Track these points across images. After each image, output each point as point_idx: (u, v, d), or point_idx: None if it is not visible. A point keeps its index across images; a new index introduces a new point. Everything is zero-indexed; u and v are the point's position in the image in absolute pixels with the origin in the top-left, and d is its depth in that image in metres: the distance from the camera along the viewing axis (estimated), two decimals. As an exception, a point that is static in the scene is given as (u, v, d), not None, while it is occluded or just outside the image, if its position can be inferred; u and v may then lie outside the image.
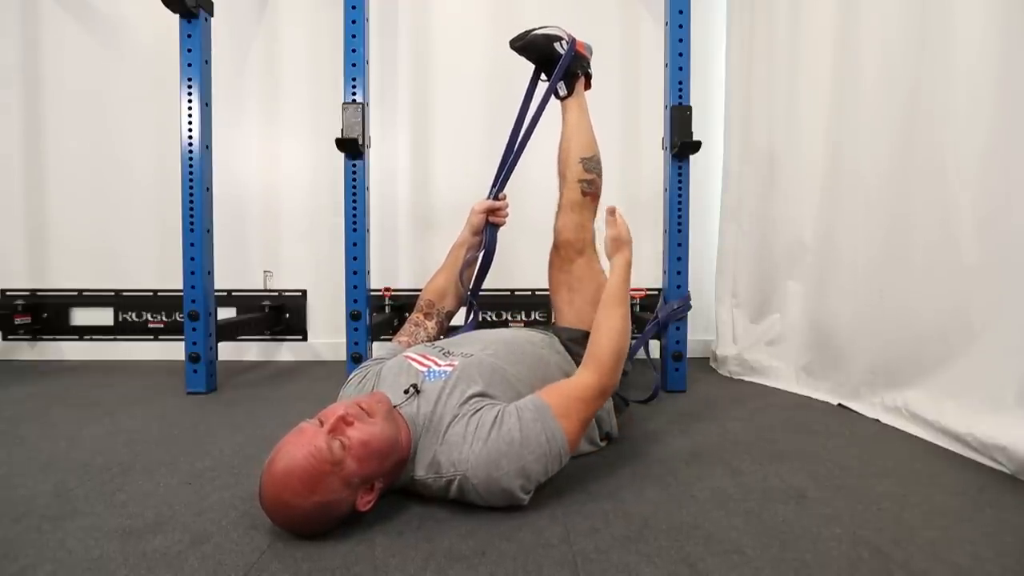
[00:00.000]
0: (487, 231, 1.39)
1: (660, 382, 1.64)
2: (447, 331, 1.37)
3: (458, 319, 1.49)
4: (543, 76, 1.46)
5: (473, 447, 0.85)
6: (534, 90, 1.47)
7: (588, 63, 1.45)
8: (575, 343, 1.23)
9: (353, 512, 0.80)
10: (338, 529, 0.80)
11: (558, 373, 1.12)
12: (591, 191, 1.35)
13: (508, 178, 1.43)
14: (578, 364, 1.06)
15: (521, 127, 1.43)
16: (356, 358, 1.68)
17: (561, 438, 0.89)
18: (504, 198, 1.41)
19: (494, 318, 2.26)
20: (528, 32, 1.40)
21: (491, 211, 1.38)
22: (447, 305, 1.37)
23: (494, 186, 1.42)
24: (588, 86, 1.47)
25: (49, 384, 1.82)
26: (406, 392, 0.94)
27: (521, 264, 2.09)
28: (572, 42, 1.40)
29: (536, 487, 0.89)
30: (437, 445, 0.87)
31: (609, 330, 1.03)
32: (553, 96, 1.43)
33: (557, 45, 1.39)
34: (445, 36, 2.24)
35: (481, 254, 1.40)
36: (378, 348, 1.26)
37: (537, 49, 1.40)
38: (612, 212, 1.17)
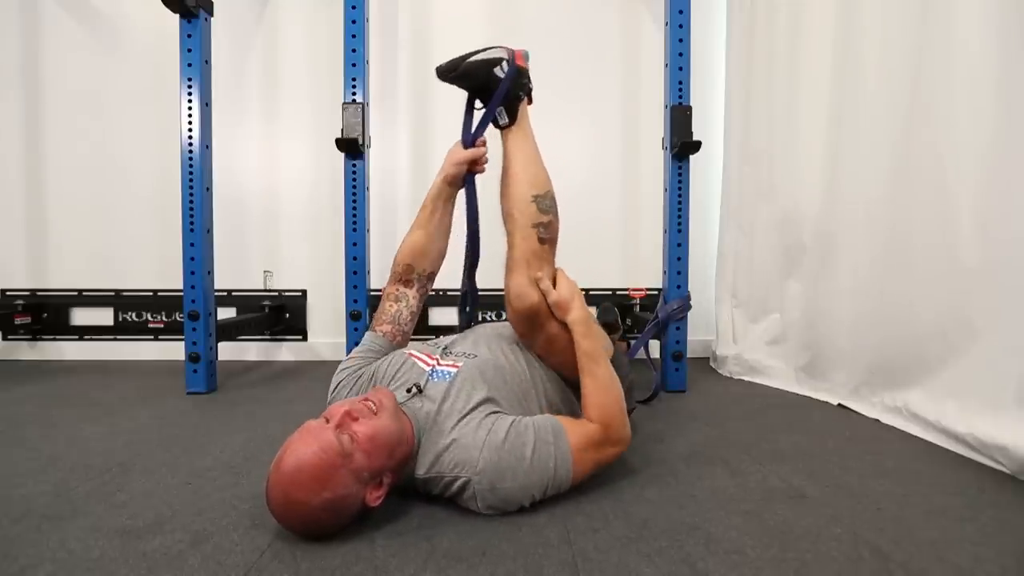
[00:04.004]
0: (467, 184, 1.20)
1: (660, 382, 1.64)
2: (451, 328, 1.33)
3: (452, 319, 1.46)
4: (478, 104, 1.19)
5: (484, 453, 0.85)
6: (472, 126, 1.19)
7: (529, 77, 1.17)
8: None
9: (363, 509, 0.80)
10: (338, 529, 0.80)
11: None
12: (548, 236, 1.05)
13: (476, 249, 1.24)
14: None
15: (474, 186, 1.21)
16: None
17: (568, 468, 0.89)
18: (484, 143, 1.19)
19: (493, 318, 2.25)
20: (462, 59, 1.13)
21: (472, 162, 1.18)
22: (428, 266, 1.20)
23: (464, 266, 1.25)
24: (530, 101, 1.18)
25: (49, 384, 1.82)
26: (409, 391, 0.94)
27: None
28: (512, 59, 1.13)
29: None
30: (441, 445, 0.87)
31: (599, 392, 0.97)
32: (492, 125, 1.17)
33: (497, 69, 1.12)
34: (445, 36, 2.23)
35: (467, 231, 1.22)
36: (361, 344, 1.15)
37: (475, 79, 1.13)
38: (539, 280, 1.01)
